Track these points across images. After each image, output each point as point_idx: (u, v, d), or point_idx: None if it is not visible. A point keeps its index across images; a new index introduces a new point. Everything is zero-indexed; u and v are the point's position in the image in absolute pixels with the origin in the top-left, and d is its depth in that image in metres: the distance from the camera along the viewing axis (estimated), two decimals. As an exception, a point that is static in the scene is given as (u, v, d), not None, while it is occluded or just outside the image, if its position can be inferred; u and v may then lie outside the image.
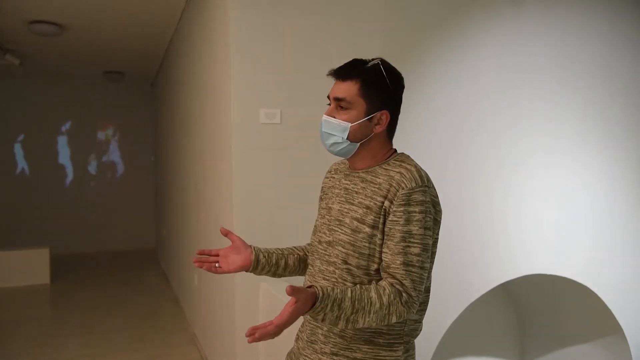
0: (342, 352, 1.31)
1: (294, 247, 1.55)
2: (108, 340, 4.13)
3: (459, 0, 3.22)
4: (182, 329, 4.39)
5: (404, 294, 1.22)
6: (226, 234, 1.45)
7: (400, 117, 1.39)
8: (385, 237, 1.27)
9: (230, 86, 2.64)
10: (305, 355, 1.40)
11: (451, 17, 3.19)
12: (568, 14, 3.56)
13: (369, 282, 1.30)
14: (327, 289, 1.18)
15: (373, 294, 1.21)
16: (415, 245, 1.23)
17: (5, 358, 3.80)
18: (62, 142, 7.64)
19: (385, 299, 1.21)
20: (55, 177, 7.62)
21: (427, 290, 1.36)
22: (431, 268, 1.34)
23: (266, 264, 1.45)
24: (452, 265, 3.22)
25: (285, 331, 1.18)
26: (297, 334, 1.50)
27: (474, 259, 3.31)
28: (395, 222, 1.25)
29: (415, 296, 1.23)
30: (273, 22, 2.67)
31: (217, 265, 1.42)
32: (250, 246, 1.46)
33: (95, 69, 6.67)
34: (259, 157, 2.67)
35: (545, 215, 3.53)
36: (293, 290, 1.10)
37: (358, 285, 1.26)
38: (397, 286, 1.23)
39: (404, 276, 1.23)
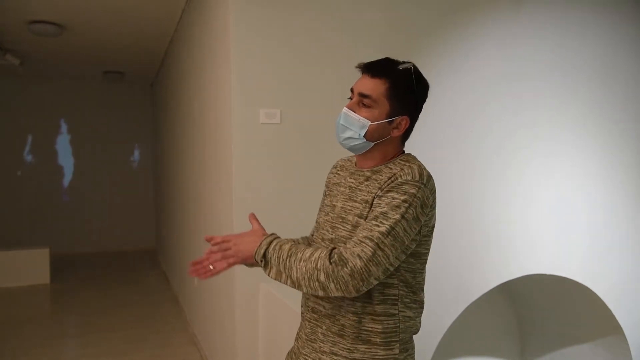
0: (340, 351, 1.31)
1: (304, 239, 1.56)
2: (108, 341, 4.13)
3: (461, 3, 3.22)
4: (182, 329, 4.39)
5: (335, 254, 1.18)
6: (251, 218, 1.42)
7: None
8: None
9: (230, 86, 2.64)
10: (305, 354, 1.40)
11: (452, 20, 3.20)
12: (569, 18, 3.56)
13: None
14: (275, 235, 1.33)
15: (309, 249, 1.24)
16: (384, 225, 1.19)
17: (5, 358, 3.79)
18: (62, 142, 7.64)
19: (317, 253, 1.21)
20: (55, 177, 7.62)
21: (422, 290, 1.36)
22: (419, 269, 1.33)
23: None
24: (453, 265, 3.22)
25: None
26: (297, 333, 1.50)
27: (475, 258, 3.31)
28: (376, 205, 1.24)
29: (349, 259, 1.16)
30: (273, 22, 2.67)
31: (210, 267, 1.43)
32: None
33: (95, 69, 6.67)
34: (259, 157, 2.67)
35: (546, 215, 3.53)
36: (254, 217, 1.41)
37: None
38: (335, 249, 1.20)
39: (351, 243, 1.19)
